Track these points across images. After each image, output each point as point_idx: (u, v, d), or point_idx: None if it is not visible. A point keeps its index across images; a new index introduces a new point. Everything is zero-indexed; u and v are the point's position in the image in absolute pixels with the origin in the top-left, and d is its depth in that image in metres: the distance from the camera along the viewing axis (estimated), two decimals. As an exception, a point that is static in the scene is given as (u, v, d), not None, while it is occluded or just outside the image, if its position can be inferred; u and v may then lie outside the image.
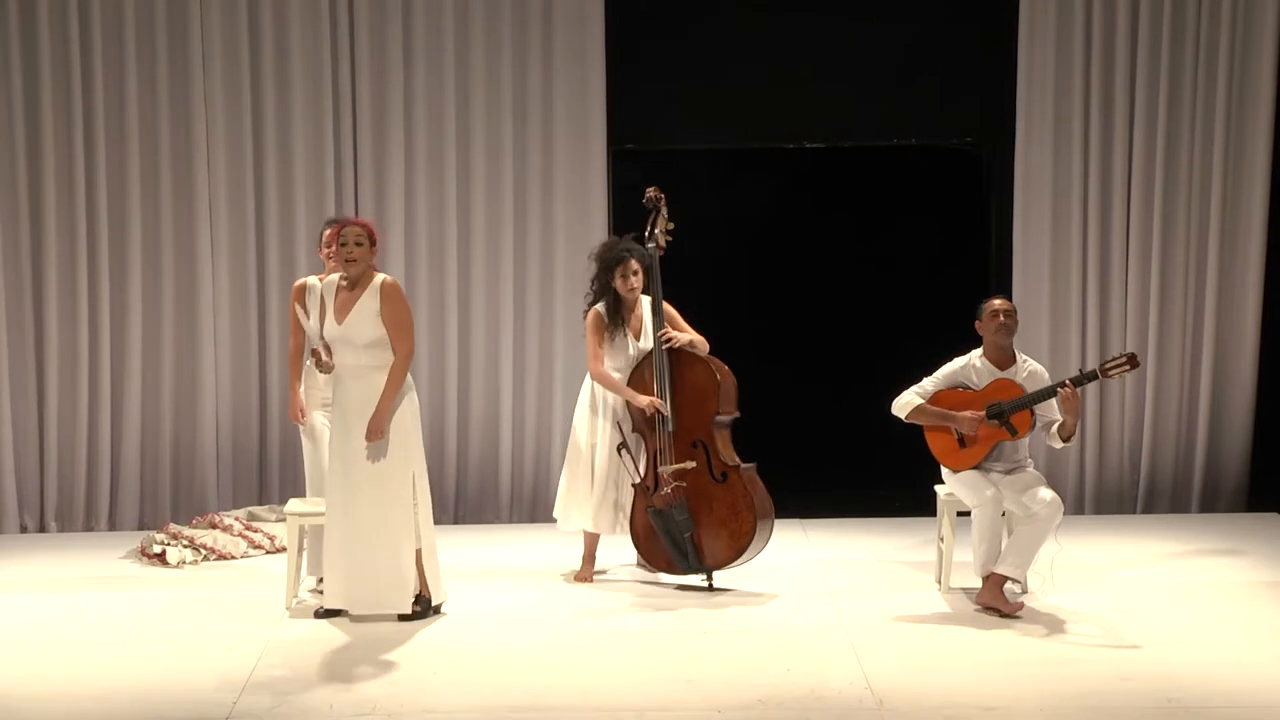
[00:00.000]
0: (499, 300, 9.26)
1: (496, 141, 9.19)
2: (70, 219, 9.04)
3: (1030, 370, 7.21)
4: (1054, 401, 7.04)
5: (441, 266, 9.23)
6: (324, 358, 6.92)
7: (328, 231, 7.41)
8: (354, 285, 6.94)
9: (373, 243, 6.95)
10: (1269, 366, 9.28)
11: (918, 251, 9.61)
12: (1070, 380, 6.97)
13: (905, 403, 7.23)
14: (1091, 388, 9.20)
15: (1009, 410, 7.04)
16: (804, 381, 9.59)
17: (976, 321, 7.24)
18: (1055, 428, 7.09)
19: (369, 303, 6.89)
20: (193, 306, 9.17)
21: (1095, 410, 9.26)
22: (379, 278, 6.95)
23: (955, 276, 9.41)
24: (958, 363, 7.25)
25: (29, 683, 6.23)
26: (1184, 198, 9.16)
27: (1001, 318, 7.15)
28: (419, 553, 6.99)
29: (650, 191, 7.65)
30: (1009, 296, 9.20)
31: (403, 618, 6.96)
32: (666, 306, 7.56)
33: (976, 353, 7.25)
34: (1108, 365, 7.04)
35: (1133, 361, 7.02)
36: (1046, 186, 9.18)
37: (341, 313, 6.91)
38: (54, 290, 9.05)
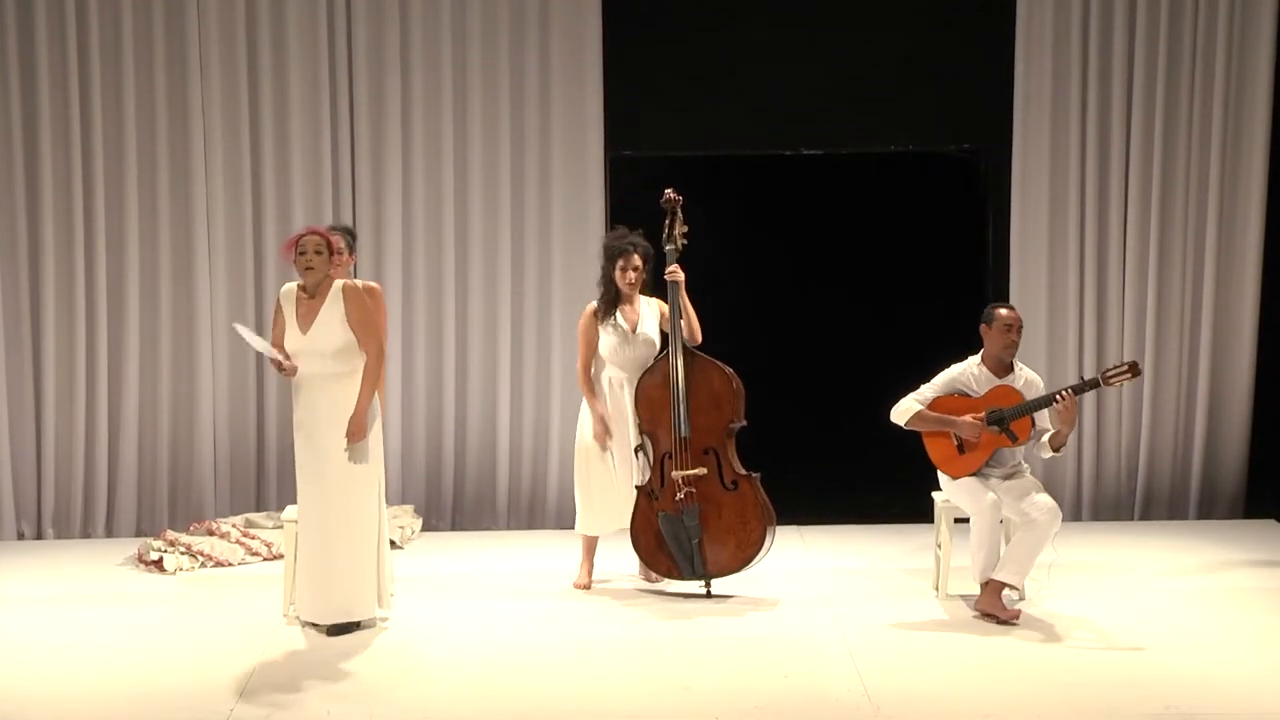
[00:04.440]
0: (496, 306, 9.25)
1: (493, 147, 9.18)
2: (68, 226, 9.03)
3: (1027, 379, 7.21)
4: (1048, 410, 7.05)
5: (439, 272, 9.23)
6: (284, 363, 6.87)
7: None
8: (314, 294, 6.92)
9: (332, 252, 6.92)
10: (1266, 373, 9.28)
11: (915, 258, 9.61)
12: (1070, 388, 6.97)
13: (905, 409, 7.22)
14: (1090, 393, 9.19)
15: (1010, 416, 7.04)
16: (801, 388, 9.59)
17: (983, 325, 7.21)
18: (1047, 437, 7.09)
19: (333, 309, 6.86)
20: (190, 312, 9.16)
21: (1093, 417, 9.26)
22: (338, 283, 6.93)
23: (952, 283, 9.41)
24: (956, 369, 7.25)
25: (25, 690, 6.22)
26: (1181, 204, 9.16)
27: (1013, 335, 7.14)
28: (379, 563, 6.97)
29: (668, 193, 7.65)
30: (1006, 303, 9.22)
31: (333, 631, 6.86)
32: (660, 303, 7.63)
33: (974, 359, 7.24)
34: (1109, 374, 7.01)
35: (1134, 370, 6.99)
36: (1044, 193, 9.18)
37: (305, 323, 6.87)
38: (51, 296, 9.03)
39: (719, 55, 9.27)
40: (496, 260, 9.23)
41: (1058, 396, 6.94)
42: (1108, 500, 9.33)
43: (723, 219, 9.59)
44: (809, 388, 9.60)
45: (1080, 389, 6.98)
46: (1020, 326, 7.17)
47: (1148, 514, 9.29)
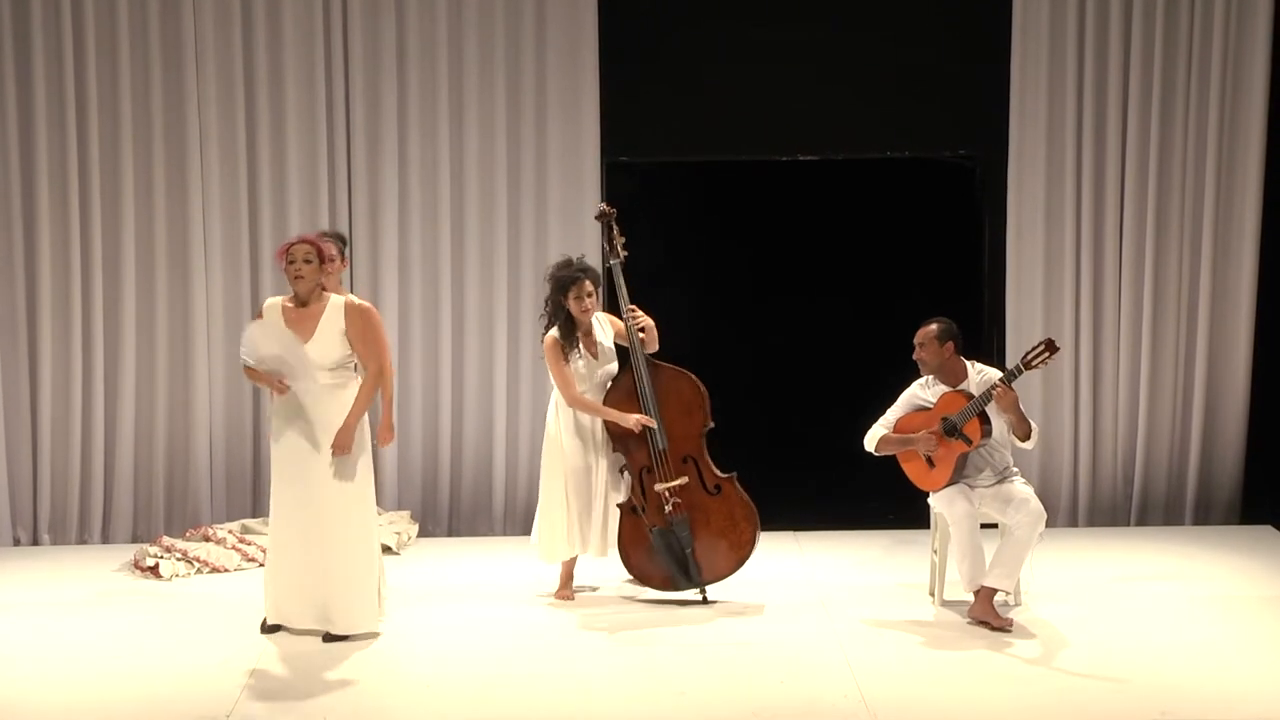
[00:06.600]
0: (492, 311, 9.25)
1: (489, 153, 9.19)
2: (64, 232, 9.03)
3: (984, 379, 7.21)
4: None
5: (435, 277, 9.23)
6: (277, 383, 6.77)
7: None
8: (305, 303, 6.84)
9: (322, 260, 6.86)
10: (1262, 378, 9.28)
11: (910, 263, 9.60)
12: (1000, 380, 7.01)
13: (872, 436, 7.31)
14: (1086, 398, 9.21)
15: (959, 422, 7.06)
16: (796, 392, 9.58)
17: None
18: (1011, 432, 7.13)
19: (332, 323, 6.80)
20: (186, 318, 9.16)
21: (1090, 422, 9.26)
22: (340, 298, 6.87)
23: (948, 288, 9.40)
24: (913, 386, 7.33)
25: (21, 697, 6.22)
26: (1177, 208, 9.17)
27: (915, 351, 7.22)
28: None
29: (602, 206, 7.66)
30: (1002, 308, 9.24)
31: (329, 638, 6.84)
32: (609, 317, 7.58)
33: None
34: (1029, 357, 7.02)
35: (1050, 347, 6.99)
36: (1039, 199, 9.19)
37: (301, 335, 6.79)
38: (47, 301, 9.04)
39: (715, 61, 9.28)
40: (493, 265, 9.24)
41: (992, 390, 6.97)
42: (1103, 506, 9.33)
43: (718, 224, 9.59)
44: (805, 393, 9.59)
45: (1009, 377, 7.00)
46: (921, 344, 7.21)
47: (1144, 520, 9.29)
